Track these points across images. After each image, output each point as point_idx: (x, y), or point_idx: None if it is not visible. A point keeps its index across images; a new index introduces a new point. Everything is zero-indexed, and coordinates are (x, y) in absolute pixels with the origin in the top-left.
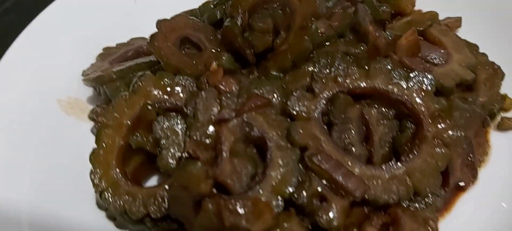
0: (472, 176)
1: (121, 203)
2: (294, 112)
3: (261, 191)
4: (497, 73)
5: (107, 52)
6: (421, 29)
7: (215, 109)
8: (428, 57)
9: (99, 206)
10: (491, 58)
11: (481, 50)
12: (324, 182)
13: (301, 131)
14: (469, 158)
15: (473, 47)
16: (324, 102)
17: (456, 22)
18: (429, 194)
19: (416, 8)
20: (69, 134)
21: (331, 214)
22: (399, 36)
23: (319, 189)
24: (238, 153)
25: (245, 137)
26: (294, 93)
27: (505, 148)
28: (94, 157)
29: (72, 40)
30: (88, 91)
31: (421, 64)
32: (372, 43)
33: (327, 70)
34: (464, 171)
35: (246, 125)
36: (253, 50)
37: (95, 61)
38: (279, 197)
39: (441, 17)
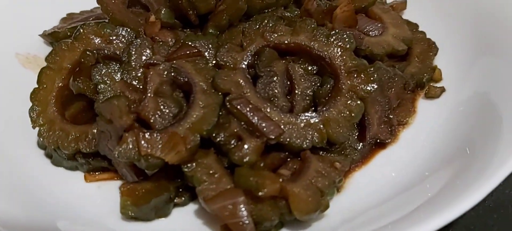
0: (389, 133)
1: (55, 138)
2: (222, 63)
3: (180, 128)
4: (431, 48)
5: (70, 17)
6: (363, 6)
7: (147, 56)
8: (364, 30)
9: (39, 145)
10: (433, 37)
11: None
12: (243, 124)
13: (225, 78)
14: (386, 115)
15: (413, 26)
16: (251, 55)
17: (402, 4)
18: (346, 147)
19: None
20: (24, 86)
21: (244, 151)
22: (335, 7)
23: (237, 130)
24: (163, 94)
25: (173, 80)
26: (224, 46)
27: (430, 114)
28: (34, 95)
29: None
30: (48, 50)
31: (355, 31)
32: (303, 7)
33: (256, 27)
34: (381, 128)
35: (174, 69)
36: (195, 12)
37: (57, 24)
38: (197, 133)
39: None
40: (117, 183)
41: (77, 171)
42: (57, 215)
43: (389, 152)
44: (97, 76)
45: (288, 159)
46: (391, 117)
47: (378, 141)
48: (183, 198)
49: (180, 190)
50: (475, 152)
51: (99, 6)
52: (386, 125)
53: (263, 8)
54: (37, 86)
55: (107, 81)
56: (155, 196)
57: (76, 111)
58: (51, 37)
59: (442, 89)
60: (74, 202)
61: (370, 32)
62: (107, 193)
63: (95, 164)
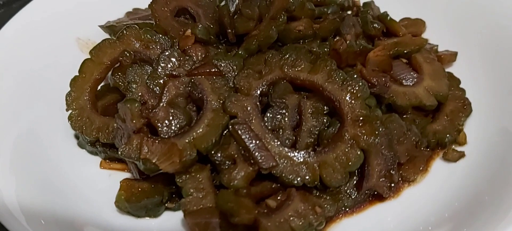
0: (387, 188)
1: (81, 124)
2: (238, 86)
3: (181, 140)
4: (464, 108)
5: (135, 11)
6: (405, 51)
7: (172, 67)
8: (398, 76)
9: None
10: (474, 96)
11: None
12: (241, 149)
13: (235, 102)
14: (389, 170)
15: (455, 81)
16: (266, 84)
17: (451, 56)
18: (340, 191)
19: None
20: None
21: (234, 175)
22: (370, 49)
23: (234, 153)
24: (176, 105)
25: (189, 94)
26: (244, 71)
27: (442, 176)
28: (73, 81)
29: None
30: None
31: (382, 78)
32: (332, 46)
33: (277, 58)
34: (381, 181)
35: (192, 85)
36: (234, 31)
37: (122, 17)
38: (195, 149)
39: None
40: (127, 175)
41: (96, 157)
42: (66, 190)
43: (386, 205)
44: (131, 76)
45: (280, 191)
46: (393, 172)
47: (375, 193)
48: (174, 204)
49: (174, 195)
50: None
51: None
52: (387, 179)
53: (299, 38)
54: (77, 74)
55: (138, 82)
56: (147, 197)
57: (109, 103)
58: (108, 29)
59: (461, 155)
60: (84, 183)
61: (403, 81)
62: (115, 182)
63: (111, 154)
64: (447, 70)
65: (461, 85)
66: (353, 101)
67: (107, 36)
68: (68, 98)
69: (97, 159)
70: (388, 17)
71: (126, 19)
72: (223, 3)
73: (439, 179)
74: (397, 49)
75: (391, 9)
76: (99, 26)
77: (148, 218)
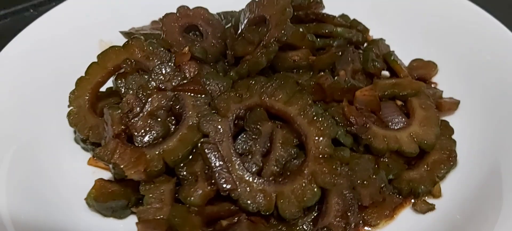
0: (343, 229)
1: (76, 122)
2: (217, 106)
3: (151, 151)
4: (447, 161)
5: (160, 20)
6: (401, 94)
7: (164, 79)
8: (386, 118)
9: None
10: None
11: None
12: (206, 168)
13: (209, 121)
14: (346, 211)
15: (447, 131)
16: (244, 109)
17: (453, 104)
18: (297, 225)
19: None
20: None
21: (191, 192)
22: (358, 87)
23: (198, 171)
24: (156, 117)
25: (171, 108)
26: (224, 94)
27: (406, 225)
28: (79, 81)
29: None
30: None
31: (363, 118)
32: (315, 81)
33: (259, 85)
34: (336, 221)
35: (175, 99)
36: (233, 53)
37: (148, 24)
38: (162, 161)
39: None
40: (109, 175)
41: (88, 153)
42: (53, 178)
43: None
44: (129, 83)
45: (238, 213)
46: (349, 214)
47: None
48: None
49: (140, 201)
50: None
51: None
52: (343, 219)
53: (293, 68)
54: (83, 75)
55: (134, 89)
56: (114, 199)
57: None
58: (127, 35)
59: (431, 208)
60: (70, 175)
61: (390, 123)
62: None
63: None
64: (446, 118)
65: (454, 136)
66: (319, 138)
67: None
68: (71, 96)
69: (88, 155)
70: (392, 57)
71: (148, 28)
72: (229, 26)
73: (403, 228)
74: (393, 90)
75: (409, 49)
76: (120, 31)
77: (113, 218)
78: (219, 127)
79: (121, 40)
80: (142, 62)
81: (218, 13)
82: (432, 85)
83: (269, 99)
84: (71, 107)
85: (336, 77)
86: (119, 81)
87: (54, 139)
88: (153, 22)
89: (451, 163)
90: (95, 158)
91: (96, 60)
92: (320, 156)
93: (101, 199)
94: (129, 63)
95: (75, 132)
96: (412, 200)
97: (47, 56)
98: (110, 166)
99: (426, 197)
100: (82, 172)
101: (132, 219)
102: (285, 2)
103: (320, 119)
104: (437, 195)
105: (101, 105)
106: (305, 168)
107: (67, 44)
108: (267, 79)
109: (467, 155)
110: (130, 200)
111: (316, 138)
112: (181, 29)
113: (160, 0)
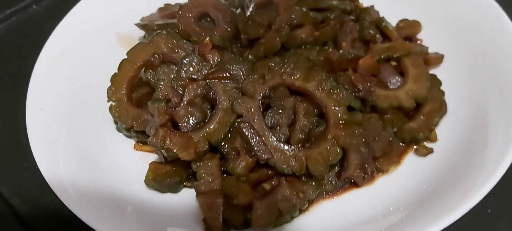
0: (361, 178)
1: (119, 114)
2: (245, 89)
3: (196, 134)
4: (439, 109)
5: (166, 7)
6: (395, 56)
7: (193, 70)
8: (385, 80)
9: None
10: (450, 96)
11: (444, 87)
12: (244, 143)
13: (241, 103)
14: (364, 164)
15: (437, 83)
16: (268, 89)
17: (437, 58)
18: (324, 179)
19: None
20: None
21: (237, 164)
22: (360, 56)
23: (238, 146)
24: (195, 105)
25: (205, 95)
26: (250, 76)
27: (412, 168)
28: (113, 77)
29: None
30: (141, 33)
31: (368, 83)
32: (325, 56)
33: (279, 67)
34: (357, 172)
35: (207, 87)
36: (247, 36)
37: (155, 12)
38: (208, 142)
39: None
40: (155, 156)
41: (130, 139)
42: (107, 167)
43: (362, 191)
44: (159, 75)
45: (274, 176)
46: (366, 166)
47: (352, 181)
48: (190, 183)
49: (190, 176)
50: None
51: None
52: (361, 170)
53: (301, 44)
54: (117, 71)
55: (165, 80)
56: (169, 177)
57: (141, 95)
58: (143, 27)
59: (430, 151)
60: (122, 161)
61: (389, 84)
62: (145, 162)
63: (143, 138)
64: (433, 71)
65: (443, 87)
66: (336, 108)
67: (139, 31)
68: (109, 91)
69: (131, 141)
70: (384, 23)
71: (158, 16)
72: (239, 11)
73: (409, 170)
74: (388, 53)
75: (392, 10)
76: (135, 24)
77: (169, 193)
78: (250, 106)
79: (135, 32)
80: (168, 55)
81: None
82: (418, 42)
83: (289, 78)
84: (111, 102)
85: (341, 50)
86: (148, 73)
87: (98, 129)
88: (160, 9)
89: (443, 111)
90: (149, 144)
91: (125, 52)
92: (340, 122)
93: (159, 179)
94: (157, 57)
95: (116, 122)
96: (414, 147)
97: (78, 55)
98: (163, 151)
99: (425, 142)
100: (132, 157)
101: (184, 192)
102: None
103: (336, 91)
104: (434, 140)
105: (134, 95)
106: (328, 134)
107: (89, 42)
108: (282, 59)
109: (455, 102)
110: (182, 176)
111: (334, 108)
112: (196, 19)
113: None
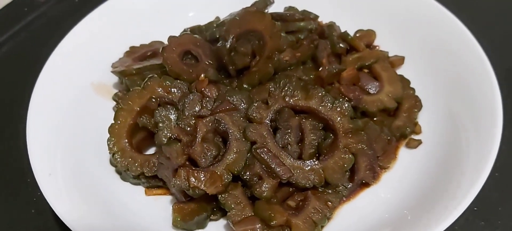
0: (372, 177)
1: (126, 163)
2: (252, 117)
3: (218, 167)
4: (416, 105)
5: (132, 50)
6: (366, 64)
7: (197, 108)
8: (365, 87)
9: (111, 163)
10: (419, 91)
11: (412, 85)
12: (264, 166)
13: (253, 131)
14: (371, 164)
15: (406, 82)
16: (273, 113)
17: (399, 60)
18: (339, 186)
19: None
20: (96, 109)
21: (263, 188)
22: (343, 70)
23: (259, 171)
24: (208, 140)
25: (215, 129)
26: (254, 104)
27: (408, 160)
28: (111, 128)
29: (106, 38)
30: (114, 79)
31: (356, 92)
32: (317, 74)
33: (279, 90)
34: (366, 173)
35: (216, 121)
36: (234, 67)
37: (122, 57)
38: (230, 172)
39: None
40: (168, 198)
41: (139, 186)
42: (124, 218)
43: (371, 190)
44: (158, 117)
45: (295, 192)
46: (374, 165)
47: (363, 182)
48: (216, 216)
49: (214, 209)
50: (440, 191)
51: (154, 41)
52: (371, 171)
53: (286, 67)
54: (113, 122)
55: (165, 121)
56: (197, 214)
57: (140, 139)
58: (120, 74)
59: (419, 142)
60: (137, 209)
61: (369, 90)
62: (161, 205)
63: (154, 183)
64: (398, 72)
65: (411, 85)
66: (342, 119)
67: (114, 78)
68: (109, 143)
69: (140, 188)
70: (349, 36)
71: (129, 60)
72: (221, 43)
73: (404, 162)
74: (360, 63)
75: (344, 23)
76: (111, 71)
77: (198, 230)
78: (261, 132)
79: (108, 78)
80: (164, 97)
81: (185, 30)
82: (377, 48)
83: (292, 100)
84: (113, 153)
85: (327, 67)
86: (144, 118)
87: (106, 181)
88: (127, 52)
89: (419, 106)
90: (173, 187)
91: (111, 91)
92: (347, 131)
93: (187, 218)
94: (153, 100)
95: (120, 173)
96: (403, 142)
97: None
98: (189, 191)
99: (412, 136)
100: (148, 203)
101: (211, 225)
102: (268, 16)
103: (337, 104)
104: (418, 132)
105: (135, 140)
106: (339, 143)
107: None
108: (276, 83)
109: (425, 96)
110: (207, 211)
111: (339, 119)
112: (180, 57)
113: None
